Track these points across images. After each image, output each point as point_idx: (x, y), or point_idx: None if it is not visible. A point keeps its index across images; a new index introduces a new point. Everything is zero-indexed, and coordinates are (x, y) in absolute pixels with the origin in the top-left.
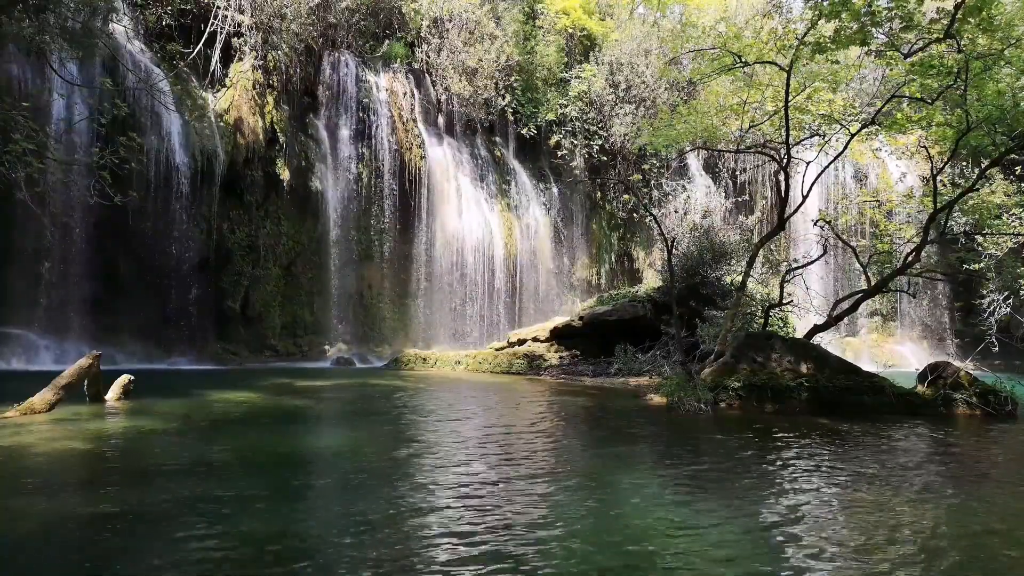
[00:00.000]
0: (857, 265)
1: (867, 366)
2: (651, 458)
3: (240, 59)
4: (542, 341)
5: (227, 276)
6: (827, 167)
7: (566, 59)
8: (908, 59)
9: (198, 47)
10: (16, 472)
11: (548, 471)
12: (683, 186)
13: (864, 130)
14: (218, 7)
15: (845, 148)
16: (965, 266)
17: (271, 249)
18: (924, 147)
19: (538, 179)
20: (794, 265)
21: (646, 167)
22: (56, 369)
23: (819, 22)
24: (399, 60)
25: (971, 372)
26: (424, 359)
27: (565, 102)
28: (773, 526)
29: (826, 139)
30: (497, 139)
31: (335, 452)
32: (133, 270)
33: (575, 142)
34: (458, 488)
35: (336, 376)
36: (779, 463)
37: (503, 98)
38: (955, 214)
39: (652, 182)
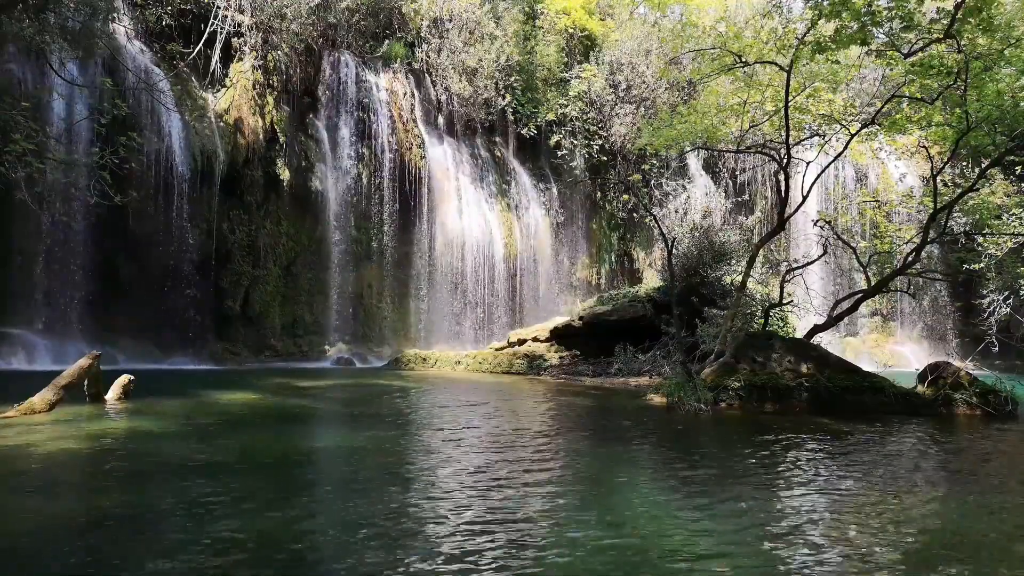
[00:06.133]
0: (857, 265)
1: (867, 366)
2: (651, 458)
3: (240, 59)
4: (542, 341)
5: (227, 276)
6: (827, 167)
7: (566, 59)
8: (908, 59)
9: (198, 47)
10: (16, 472)
11: (548, 471)
12: (683, 186)
13: (864, 130)
14: (218, 7)
15: (845, 148)
16: (965, 266)
17: (271, 249)
18: (924, 147)
19: (538, 179)
20: (794, 265)
21: (646, 167)
22: (56, 369)
23: (819, 22)
24: (399, 60)
25: (971, 372)
26: (424, 359)
27: (565, 102)
28: (774, 526)
29: (826, 139)
30: (497, 139)
31: (336, 452)
32: (133, 270)
33: (575, 142)
34: (459, 488)
35: (336, 376)
36: (779, 463)
37: (503, 98)
38: (955, 214)
39: (652, 182)
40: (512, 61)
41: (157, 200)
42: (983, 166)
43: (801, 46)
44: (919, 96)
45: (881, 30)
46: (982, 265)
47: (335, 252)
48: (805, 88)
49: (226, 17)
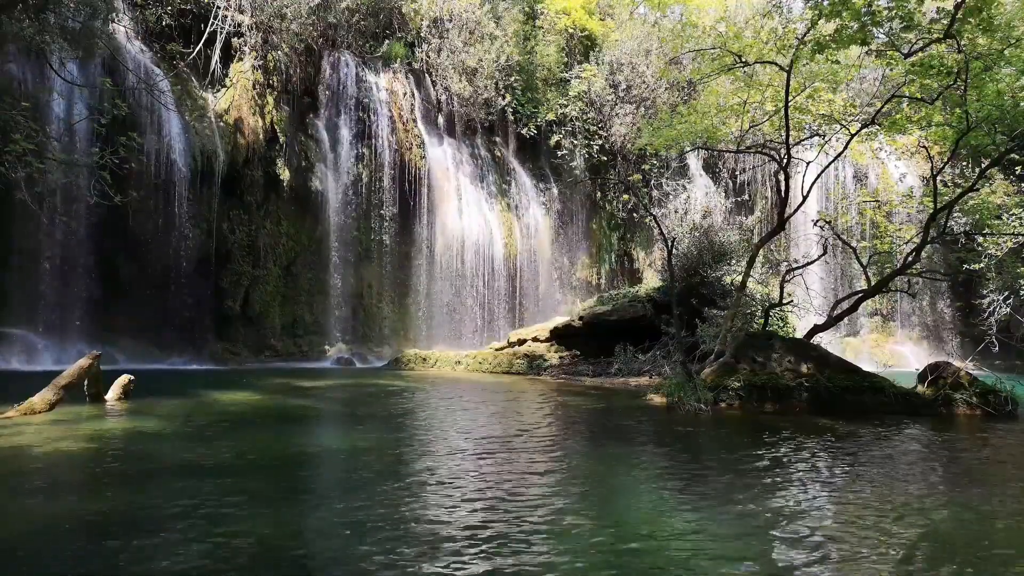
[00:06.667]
0: (857, 265)
1: (867, 366)
2: (651, 458)
3: (240, 59)
4: (542, 341)
5: (227, 276)
6: (827, 167)
7: (566, 59)
8: (908, 59)
9: (198, 47)
10: (16, 472)
11: (549, 471)
12: (683, 186)
13: (864, 130)
14: (218, 7)
15: (845, 148)
16: (965, 266)
17: (271, 249)
18: (924, 147)
19: (538, 179)
20: (794, 265)
21: (646, 167)
22: (56, 369)
23: (819, 22)
24: (399, 60)
25: (971, 372)
26: (424, 359)
27: (565, 102)
28: (774, 526)
29: (826, 139)
30: (497, 139)
31: (336, 452)
32: (133, 270)
33: (575, 142)
34: (459, 489)
35: (336, 376)
36: (780, 463)
37: (503, 98)
38: (955, 214)
39: (652, 182)
40: (512, 61)
41: (157, 200)
42: (983, 166)
43: (801, 46)
44: (919, 96)
45: (881, 30)
46: (982, 265)
47: (335, 252)
48: (805, 88)
49: (226, 17)
